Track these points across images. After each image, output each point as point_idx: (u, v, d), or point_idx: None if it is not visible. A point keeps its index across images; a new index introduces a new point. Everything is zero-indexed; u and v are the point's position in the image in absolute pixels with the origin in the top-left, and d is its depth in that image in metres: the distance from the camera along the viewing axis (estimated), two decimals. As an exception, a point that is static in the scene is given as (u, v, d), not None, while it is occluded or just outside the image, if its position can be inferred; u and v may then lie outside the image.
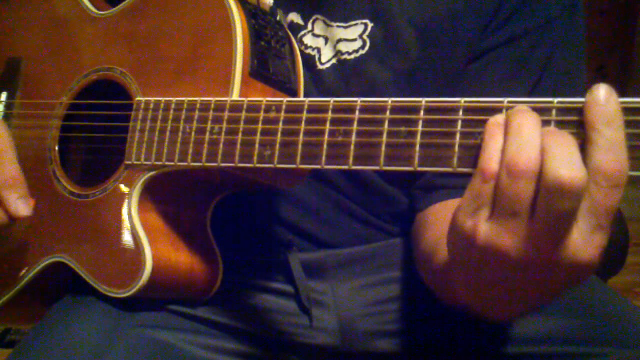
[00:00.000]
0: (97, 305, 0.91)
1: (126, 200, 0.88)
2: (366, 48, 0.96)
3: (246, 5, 0.87)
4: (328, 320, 1.02)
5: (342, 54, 0.96)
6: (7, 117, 1.05)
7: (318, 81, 0.98)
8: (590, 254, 0.61)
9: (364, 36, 0.96)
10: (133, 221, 0.87)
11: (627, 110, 0.59)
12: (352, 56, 0.96)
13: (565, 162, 0.58)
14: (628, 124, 0.59)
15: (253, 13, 0.87)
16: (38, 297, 1.00)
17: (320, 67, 0.98)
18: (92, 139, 0.98)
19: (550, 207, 0.59)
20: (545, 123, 0.62)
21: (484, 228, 0.63)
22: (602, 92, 0.60)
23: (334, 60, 0.97)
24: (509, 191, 0.61)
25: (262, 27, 0.87)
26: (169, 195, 0.90)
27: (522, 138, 0.61)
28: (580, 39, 0.98)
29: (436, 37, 0.95)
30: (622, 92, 0.60)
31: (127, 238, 0.87)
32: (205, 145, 0.80)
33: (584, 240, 0.61)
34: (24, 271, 0.96)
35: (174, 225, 0.91)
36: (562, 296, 0.91)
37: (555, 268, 0.62)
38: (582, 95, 0.95)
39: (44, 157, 0.99)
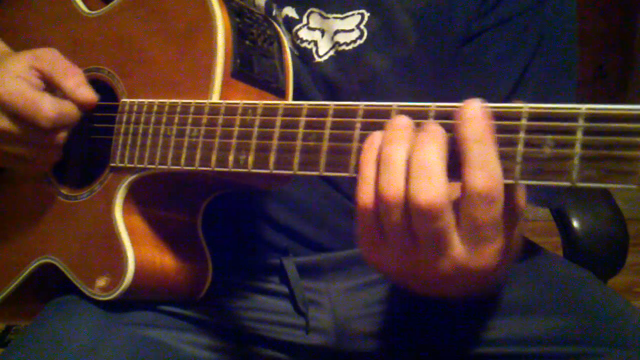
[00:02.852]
0: (88, 305, 0.90)
1: (110, 203, 0.87)
2: (364, 38, 0.95)
3: (231, 4, 0.86)
4: (323, 321, 1.01)
5: (340, 45, 0.96)
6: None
7: (316, 75, 0.97)
8: (481, 263, 0.63)
9: (362, 26, 0.95)
10: (117, 224, 0.86)
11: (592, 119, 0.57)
12: (351, 47, 0.96)
13: (423, 186, 0.60)
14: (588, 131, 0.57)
15: (238, 11, 0.86)
16: (33, 296, 1.00)
17: (317, 60, 0.97)
18: (83, 140, 0.98)
19: (422, 228, 0.61)
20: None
21: (383, 258, 0.66)
22: (471, 109, 0.60)
23: (332, 53, 0.97)
24: (386, 221, 0.63)
25: (247, 26, 0.86)
26: (155, 198, 0.90)
27: (391, 168, 0.62)
28: (572, 19, 0.98)
29: (432, 23, 0.95)
30: (622, 92, 0.59)
31: (110, 240, 0.87)
32: (184, 148, 0.80)
33: (470, 253, 0.62)
34: (15, 272, 0.97)
35: (160, 227, 0.90)
36: (559, 295, 0.92)
37: (455, 276, 0.64)
38: (574, 76, 0.96)
39: None
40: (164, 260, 0.89)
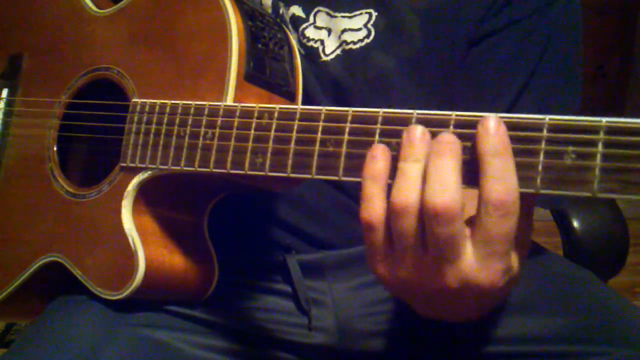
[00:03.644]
0: (93, 305, 0.91)
1: (120, 202, 0.87)
2: (371, 37, 0.96)
3: (243, 7, 0.86)
4: (326, 320, 1.02)
5: (348, 44, 0.96)
6: (8, 114, 1.05)
7: (322, 73, 0.98)
8: (488, 279, 0.64)
9: (369, 25, 0.96)
10: (126, 223, 0.86)
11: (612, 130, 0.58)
12: (358, 45, 0.96)
13: (439, 190, 0.61)
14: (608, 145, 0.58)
15: (250, 15, 0.86)
16: (37, 294, 1.00)
17: (324, 58, 0.97)
18: (90, 139, 0.98)
19: (433, 234, 0.62)
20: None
21: (389, 271, 0.67)
22: (492, 123, 0.61)
23: (338, 51, 0.97)
24: (397, 230, 0.64)
25: (259, 29, 0.86)
26: (165, 198, 0.90)
27: (404, 178, 0.63)
28: (578, 24, 0.99)
29: (439, 24, 0.96)
30: (622, 92, 0.60)
31: (120, 240, 0.87)
32: (199, 150, 0.80)
33: (479, 266, 0.63)
34: (20, 269, 0.97)
35: (169, 227, 0.90)
36: (560, 294, 0.93)
37: (460, 291, 0.65)
38: (580, 78, 0.97)
39: (43, 156, 0.98)
40: (172, 260, 0.89)
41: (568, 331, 0.91)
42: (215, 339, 0.97)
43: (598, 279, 1.03)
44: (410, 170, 0.63)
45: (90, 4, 0.98)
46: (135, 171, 0.87)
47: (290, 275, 1.01)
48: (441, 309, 0.72)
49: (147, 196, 0.88)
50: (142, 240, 0.86)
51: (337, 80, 0.98)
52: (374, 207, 0.65)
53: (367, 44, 0.96)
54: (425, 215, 0.62)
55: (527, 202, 0.63)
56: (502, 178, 0.60)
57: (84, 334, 0.87)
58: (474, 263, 0.63)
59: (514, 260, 0.65)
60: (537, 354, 0.91)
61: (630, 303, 0.97)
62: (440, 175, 0.61)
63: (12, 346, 0.90)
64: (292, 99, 0.88)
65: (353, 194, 1.01)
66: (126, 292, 0.86)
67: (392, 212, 0.64)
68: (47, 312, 0.94)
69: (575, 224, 1.15)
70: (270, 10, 0.98)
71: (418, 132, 0.64)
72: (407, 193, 0.63)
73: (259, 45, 0.85)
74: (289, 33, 0.92)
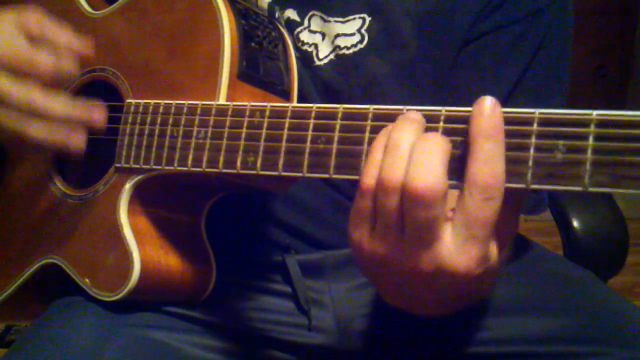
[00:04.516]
0: (92, 306, 0.91)
1: (115, 203, 0.87)
2: (365, 42, 0.96)
3: (236, 6, 0.86)
4: (325, 320, 1.02)
5: (341, 49, 0.96)
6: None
7: (316, 78, 0.97)
8: (464, 264, 0.62)
9: (362, 30, 0.95)
10: (122, 224, 0.86)
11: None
12: (351, 51, 0.96)
13: (422, 171, 0.60)
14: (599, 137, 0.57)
15: (243, 13, 0.86)
16: (36, 296, 1.00)
17: (317, 63, 0.97)
18: (87, 140, 0.97)
19: (411, 216, 0.61)
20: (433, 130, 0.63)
21: (366, 240, 0.66)
22: (487, 104, 0.61)
23: (332, 56, 0.97)
24: (381, 205, 0.63)
25: (253, 28, 0.86)
26: (160, 198, 0.90)
27: (396, 153, 0.62)
28: (569, 31, 0.99)
29: (433, 28, 0.95)
30: (622, 92, 0.59)
31: (115, 241, 0.87)
32: (191, 150, 0.80)
33: (456, 250, 0.62)
34: (17, 272, 0.97)
35: (165, 228, 0.90)
36: (559, 294, 0.93)
37: (434, 275, 0.63)
38: (566, 87, 0.97)
39: (40, 158, 0.98)
40: (168, 261, 0.89)
41: (568, 331, 0.90)
42: (214, 339, 0.97)
43: (598, 279, 1.02)
44: (402, 143, 0.62)
45: (86, 5, 0.99)
46: (130, 172, 0.87)
47: (289, 276, 1.01)
48: (411, 294, 0.70)
49: (142, 197, 0.88)
50: (137, 241, 0.86)
51: (331, 85, 0.97)
52: (371, 175, 0.64)
53: (360, 49, 0.96)
54: (405, 196, 0.61)
55: (515, 196, 0.62)
56: (490, 161, 0.60)
57: (84, 335, 0.87)
58: (451, 247, 0.62)
59: (493, 250, 0.64)
60: (537, 354, 0.90)
61: (630, 303, 0.96)
62: (426, 156, 0.60)
63: (13, 347, 0.90)
64: (287, 97, 0.88)
65: (351, 194, 1.00)
66: (122, 294, 0.86)
67: (381, 186, 0.63)
68: (47, 314, 0.94)
69: (575, 224, 1.15)
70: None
71: (417, 113, 0.64)
72: (397, 170, 0.62)
73: (253, 44, 0.85)
74: (284, 31, 0.92)
